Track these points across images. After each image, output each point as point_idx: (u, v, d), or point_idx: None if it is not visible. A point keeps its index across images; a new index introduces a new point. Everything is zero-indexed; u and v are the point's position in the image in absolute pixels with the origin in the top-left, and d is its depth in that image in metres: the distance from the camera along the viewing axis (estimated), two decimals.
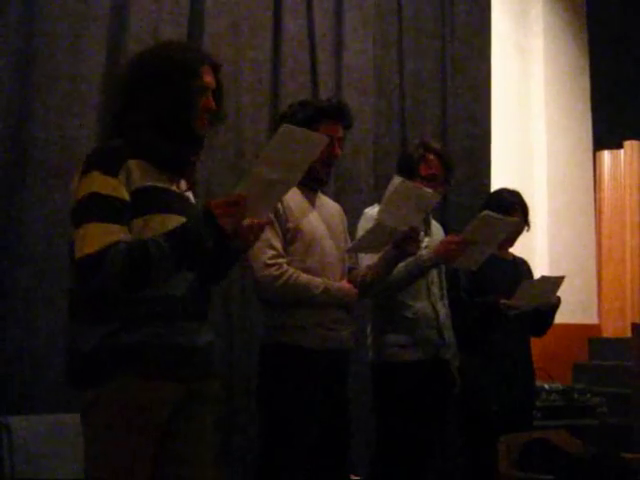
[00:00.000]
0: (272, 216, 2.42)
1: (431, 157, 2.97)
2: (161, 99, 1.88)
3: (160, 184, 1.86)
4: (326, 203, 2.71)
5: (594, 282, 5.28)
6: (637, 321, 4.67)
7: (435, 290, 3.04)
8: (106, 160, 1.80)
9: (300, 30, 4.05)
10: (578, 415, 4.18)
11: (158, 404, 1.79)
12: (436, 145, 3.04)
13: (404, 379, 2.90)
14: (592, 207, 5.35)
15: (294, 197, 2.55)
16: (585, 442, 3.30)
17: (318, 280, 2.49)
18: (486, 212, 2.70)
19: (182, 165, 1.95)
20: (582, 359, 4.98)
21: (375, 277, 2.63)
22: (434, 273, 3.04)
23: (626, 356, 4.52)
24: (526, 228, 3.52)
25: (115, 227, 1.74)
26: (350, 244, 2.68)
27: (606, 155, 5.58)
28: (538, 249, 4.05)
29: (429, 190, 2.57)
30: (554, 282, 3.31)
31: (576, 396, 4.20)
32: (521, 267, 3.56)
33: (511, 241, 3.51)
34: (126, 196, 1.78)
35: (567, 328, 4.46)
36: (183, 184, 1.95)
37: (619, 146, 5.56)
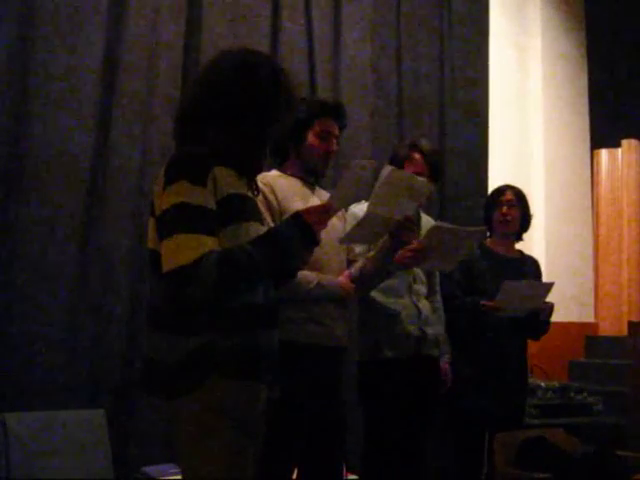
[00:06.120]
0: (269, 220, 2.39)
1: (416, 156, 3.00)
2: (251, 109, 1.87)
3: (242, 191, 1.87)
4: (324, 197, 2.68)
5: (591, 280, 5.29)
6: (634, 319, 4.68)
7: (419, 287, 3.03)
8: (193, 169, 1.78)
9: (298, 29, 4.05)
10: (574, 413, 4.18)
11: (255, 403, 1.84)
12: (424, 145, 3.05)
13: (384, 376, 2.90)
14: (590, 205, 5.36)
15: (294, 189, 2.55)
16: (581, 440, 3.31)
17: (312, 275, 2.45)
18: (437, 223, 2.67)
19: (258, 171, 1.98)
20: (579, 357, 4.99)
21: (374, 269, 2.61)
22: (419, 271, 3.03)
23: (622, 354, 4.53)
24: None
25: (207, 238, 1.73)
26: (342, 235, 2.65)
27: (604, 153, 5.58)
28: (535, 248, 4.05)
29: (422, 178, 2.53)
30: (543, 288, 3.24)
31: (572, 394, 4.20)
32: (528, 266, 3.50)
33: (513, 236, 3.49)
34: (214, 205, 1.78)
35: (564, 326, 4.46)
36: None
37: (617, 144, 5.57)
